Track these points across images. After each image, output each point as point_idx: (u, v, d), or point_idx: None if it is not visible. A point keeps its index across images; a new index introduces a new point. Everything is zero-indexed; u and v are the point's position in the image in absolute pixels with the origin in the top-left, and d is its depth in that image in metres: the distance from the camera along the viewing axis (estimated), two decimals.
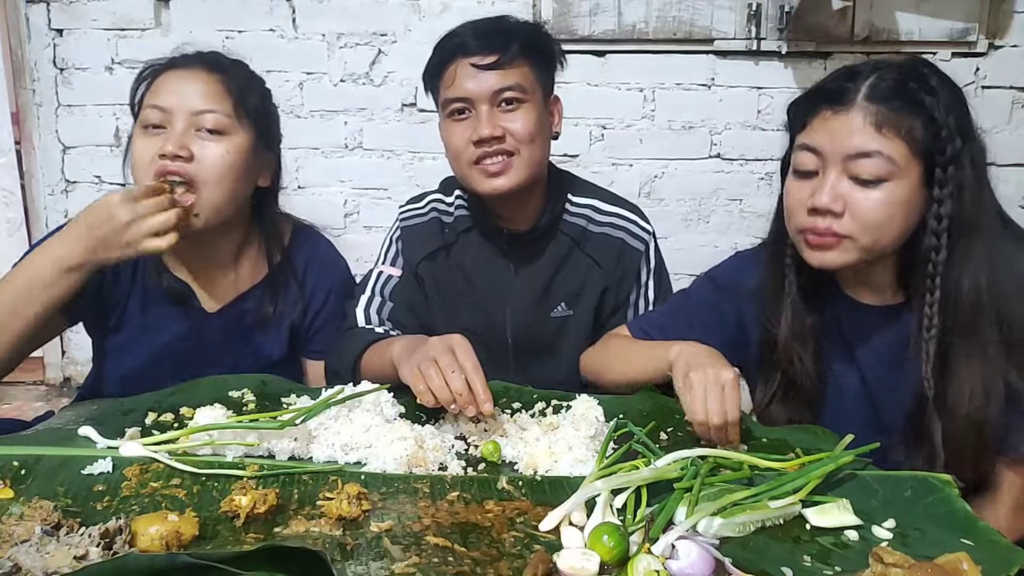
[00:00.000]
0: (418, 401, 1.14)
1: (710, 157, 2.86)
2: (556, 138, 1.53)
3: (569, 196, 1.56)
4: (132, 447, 1.03)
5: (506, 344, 1.54)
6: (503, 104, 1.41)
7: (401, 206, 1.62)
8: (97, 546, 0.77)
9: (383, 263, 1.58)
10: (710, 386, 1.09)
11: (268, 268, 1.47)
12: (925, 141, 1.07)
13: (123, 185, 1.44)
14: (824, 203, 1.09)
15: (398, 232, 1.59)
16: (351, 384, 1.21)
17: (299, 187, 2.85)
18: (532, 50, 1.44)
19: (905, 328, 1.15)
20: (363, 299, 1.53)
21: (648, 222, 1.58)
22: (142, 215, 1.15)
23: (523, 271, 1.54)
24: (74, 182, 2.90)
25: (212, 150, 1.30)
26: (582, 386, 1.47)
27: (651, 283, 1.56)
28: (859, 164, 1.07)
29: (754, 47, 2.72)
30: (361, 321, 1.51)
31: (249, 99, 1.37)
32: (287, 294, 1.46)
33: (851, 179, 1.08)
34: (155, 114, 1.30)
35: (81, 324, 1.42)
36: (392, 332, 1.48)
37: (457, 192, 1.57)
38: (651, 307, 1.55)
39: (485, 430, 1.17)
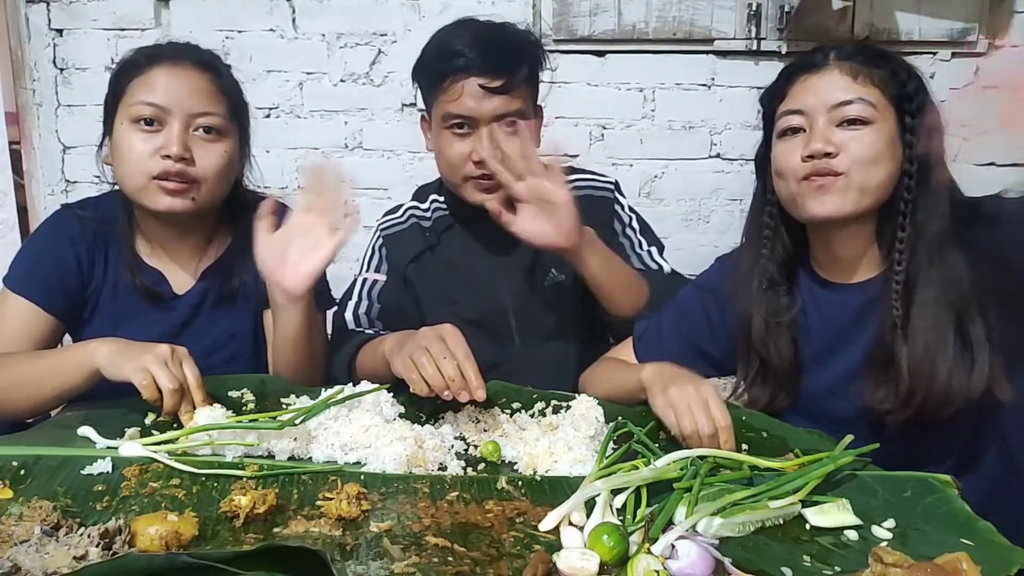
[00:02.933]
0: (411, 391, 1.13)
1: (710, 157, 2.86)
2: (537, 146, 1.53)
3: None
4: (131, 447, 1.03)
5: (509, 324, 1.56)
6: (503, 126, 1.43)
7: (378, 220, 1.65)
8: (96, 546, 0.77)
9: (367, 271, 1.60)
10: (693, 401, 1.11)
11: (225, 241, 1.48)
12: (894, 88, 1.18)
13: (113, 185, 1.43)
14: (818, 147, 1.16)
15: (380, 240, 1.61)
16: (349, 384, 1.21)
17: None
18: (534, 73, 1.48)
19: (874, 304, 1.20)
20: (351, 304, 1.55)
21: (607, 176, 1.64)
22: (173, 380, 1.13)
23: (509, 249, 1.56)
24: (74, 182, 2.90)
25: (211, 151, 1.34)
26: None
27: (632, 216, 1.62)
28: (843, 111, 1.17)
29: (754, 47, 2.71)
30: (351, 324, 1.53)
31: (238, 100, 1.42)
32: (250, 261, 1.42)
33: (838, 126, 1.17)
34: (148, 110, 1.30)
35: None
36: (382, 332, 1.49)
37: (432, 197, 1.62)
38: (641, 234, 1.60)
39: (485, 430, 1.17)
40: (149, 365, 1.13)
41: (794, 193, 1.21)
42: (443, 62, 1.44)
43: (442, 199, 1.61)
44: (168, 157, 1.29)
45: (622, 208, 1.62)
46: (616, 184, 1.64)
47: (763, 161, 1.29)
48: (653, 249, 1.60)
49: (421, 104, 1.60)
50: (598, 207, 1.59)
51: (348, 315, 1.54)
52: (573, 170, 1.62)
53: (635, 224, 1.62)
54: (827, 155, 1.16)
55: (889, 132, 1.17)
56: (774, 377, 1.28)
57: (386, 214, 1.64)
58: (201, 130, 1.33)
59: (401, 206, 1.64)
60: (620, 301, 1.45)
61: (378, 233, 1.62)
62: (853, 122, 1.16)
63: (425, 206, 1.62)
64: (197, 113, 1.32)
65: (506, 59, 1.42)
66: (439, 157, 1.51)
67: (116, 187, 1.40)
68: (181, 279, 1.45)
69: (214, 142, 1.34)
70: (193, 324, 1.44)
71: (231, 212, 1.46)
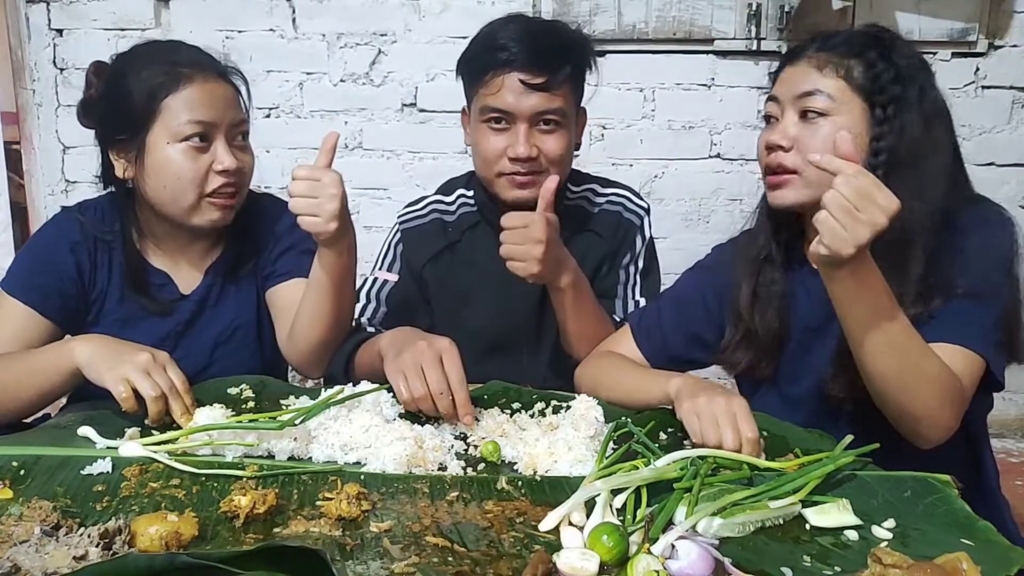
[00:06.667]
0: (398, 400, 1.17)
1: (710, 157, 2.86)
2: (577, 148, 1.55)
3: (568, 185, 1.58)
4: (131, 447, 1.03)
5: (521, 327, 1.55)
6: (541, 123, 1.43)
7: (399, 212, 1.62)
8: (96, 546, 0.77)
9: (379, 268, 1.58)
10: (721, 412, 1.08)
11: (225, 238, 1.47)
12: (863, 80, 1.19)
13: (127, 184, 1.43)
14: (775, 139, 1.22)
15: (397, 236, 1.59)
16: (349, 384, 1.21)
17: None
18: (578, 73, 1.47)
19: None
20: (357, 308, 1.51)
21: (643, 200, 1.61)
22: (155, 388, 1.12)
23: None
24: (74, 182, 2.90)
25: (247, 159, 1.37)
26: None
27: (643, 253, 1.58)
28: (805, 102, 1.20)
29: (754, 47, 2.72)
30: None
31: (247, 101, 1.42)
32: (246, 252, 1.46)
33: (800, 118, 1.21)
34: (198, 127, 1.30)
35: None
36: (382, 331, 1.47)
37: (459, 191, 1.59)
38: (638, 276, 1.57)
39: (485, 430, 1.17)
40: (129, 375, 1.11)
41: (764, 182, 1.26)
42: (487, 54, 1.43)
43: (471, 194, 1.58)
44: (223, 172, 1.31)
45: (642, 239, 1.58)
46: (647, 210, 1.60)
47: None
48: (641, 300, 1.54)
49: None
50: (620, 228, 1.57)
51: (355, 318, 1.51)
52: (608, 183, 1.62)
53: (640, 263, 1.57)
54: (781, 148, 1.20)
55: (849, 122, 1.17)
56: (757, 344, 1.31)
57: (407, 206, 1.62)
58: (240, 138, 1.35)
59: (424, 198, 1.61)
60: (577, 344, 1.45)
61: (397, 227, 1.60)
62: (814, 113, 1.19)
63: (450, 199, 1.59)
64: (236, 123, 1.34)
65: (550, 56, 1.41)
66: (475, 151, 1.50)
67: (112, 191, 1.41)
68: (188, 277, 1.44)
69: (245, 149, 1.37)
70: (199, 321, 1.44)
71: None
